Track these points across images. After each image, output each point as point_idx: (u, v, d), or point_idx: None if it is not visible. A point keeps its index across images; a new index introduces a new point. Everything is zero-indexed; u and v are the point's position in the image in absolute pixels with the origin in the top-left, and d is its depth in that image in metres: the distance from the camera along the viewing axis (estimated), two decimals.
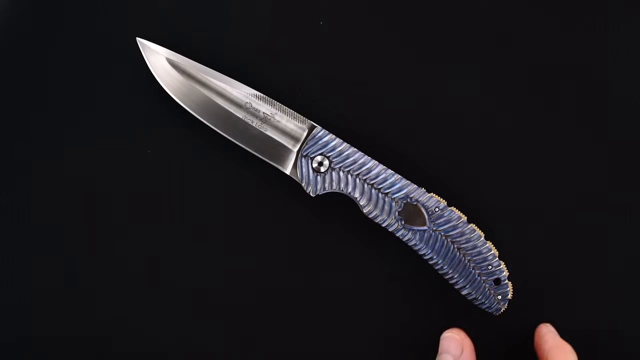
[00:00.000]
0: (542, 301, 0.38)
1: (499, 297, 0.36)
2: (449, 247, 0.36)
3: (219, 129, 0.38)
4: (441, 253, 0.36)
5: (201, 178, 0.40)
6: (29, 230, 0.40)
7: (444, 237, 0.36)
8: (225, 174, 0.40)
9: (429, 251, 0.36)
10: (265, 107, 0.37)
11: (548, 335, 0.36)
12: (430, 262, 0.37)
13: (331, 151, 0.37)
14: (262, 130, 0.37)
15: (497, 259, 0.36)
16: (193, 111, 0.38)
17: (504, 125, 0.39)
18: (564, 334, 0.37)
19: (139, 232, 0.39)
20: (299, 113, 0.38)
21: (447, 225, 0.36)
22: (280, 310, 0.39)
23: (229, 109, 0.37)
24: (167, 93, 0.38)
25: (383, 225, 0.37)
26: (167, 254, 0.39)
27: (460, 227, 0.36)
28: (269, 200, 0.39)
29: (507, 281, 0.36)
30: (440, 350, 0.37)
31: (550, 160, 0.39)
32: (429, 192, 0.36)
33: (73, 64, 0.40)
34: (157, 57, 0.38)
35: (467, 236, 0.36)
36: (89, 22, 0.41)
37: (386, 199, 0.37)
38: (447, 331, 0.37)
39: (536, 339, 0.37)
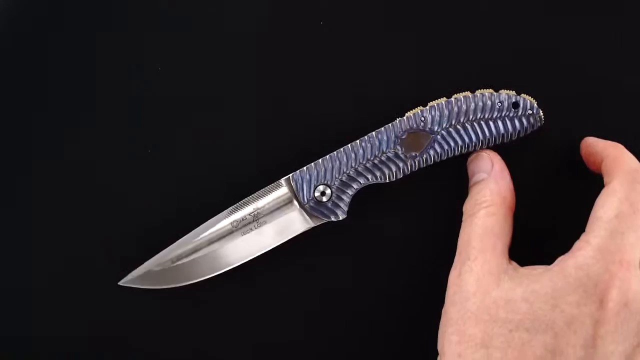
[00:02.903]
0: None
1: (529, 111, 0.36)
2: (463, 130, 0.36)
3: (234, 265, 0.38)
4: (465, 141, 0.36)
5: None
6: (29, 230, 0.40)
7: (451, 128, 0.36)
8: None
9: (454, 149, 0.36)
10: (246, 211, 0.37)
11: (597, 141, 0.36)
12: (464, 153, 0.37)
13: (317, 179, 0.37)
14: (262, 226, 0.37)
15: (495, 93, 0.36)
16: (206, 276, 0.38)
17: None
18: None
19: (140, 233, 0.39)
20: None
21: (443, 117, 0.36)
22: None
23: (226, 243, 0.37)
24: None
25: (409, 173, 0.37)
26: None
27: (450, 108, 0.36)
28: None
29: (520, 96, 0.36)
30: (470, 174, 0.37)
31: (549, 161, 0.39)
32: (403, 117, 0.36)
33: (73, 64, 0.40)
34: (144, 277, 0.38)
35: (463, 107, 0.36)
36: (88, 22, 0.41)
37: (389, 157, 0.36)
38: (471, 155, 0.37)
39: (584, 148, 0.37)
